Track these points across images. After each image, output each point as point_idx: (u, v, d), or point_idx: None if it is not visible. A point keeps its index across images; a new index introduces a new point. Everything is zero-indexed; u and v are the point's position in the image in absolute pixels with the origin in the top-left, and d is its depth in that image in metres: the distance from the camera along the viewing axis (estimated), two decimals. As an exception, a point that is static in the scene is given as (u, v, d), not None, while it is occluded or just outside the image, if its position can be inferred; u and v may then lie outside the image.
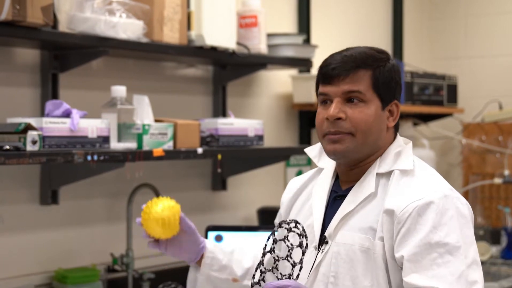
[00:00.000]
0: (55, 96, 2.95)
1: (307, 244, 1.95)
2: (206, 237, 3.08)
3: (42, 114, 2.88)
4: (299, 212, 2.12)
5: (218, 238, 3.08)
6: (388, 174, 1.98)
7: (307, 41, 4.11)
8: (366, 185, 1.99)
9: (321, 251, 2.00)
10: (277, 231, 1.99)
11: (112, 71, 3.21)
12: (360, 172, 2.02)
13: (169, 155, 2.97)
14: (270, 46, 3.60)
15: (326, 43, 4.26)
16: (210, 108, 3.66)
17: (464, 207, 1.93)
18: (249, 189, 3.83)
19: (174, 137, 3.03)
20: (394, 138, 2.05)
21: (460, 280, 1.82)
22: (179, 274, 3.38)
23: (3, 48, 2.86)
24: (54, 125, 2.64)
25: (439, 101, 4.73)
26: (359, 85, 1.97)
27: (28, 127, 2.53)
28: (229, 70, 3.66)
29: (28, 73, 2.94)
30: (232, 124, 3.27)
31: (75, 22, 2.81)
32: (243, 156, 3.49)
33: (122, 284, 3.17)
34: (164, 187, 3.28)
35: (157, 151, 2.91)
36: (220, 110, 3.65)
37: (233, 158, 3.55)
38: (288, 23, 4.15)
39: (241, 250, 2.23)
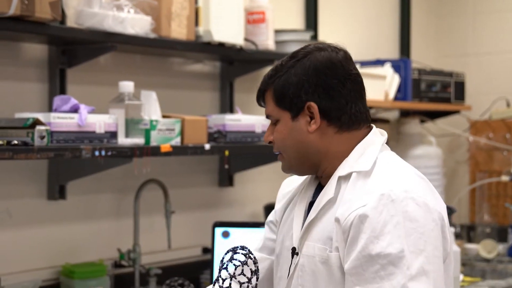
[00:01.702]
0: (63, 91, 2.96)
1: (257, 278, 1.90)
2: (213, 233, 3.08)
3: (50, 109, 2.88)
4: (286, 220, 2.04)
5: (225, 234, 3.08)
6: (349, 176, 1.86)
7: (314, 37, 4.10)
8: (328, 190, 1.88)
9: (292, 263, 1.93)
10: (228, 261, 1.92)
11: (120, 67, 3.22)
12: (328, 178, 1.92)
13: (176, 151, 2.97)
14: (277, 42, 3.60)
15: (333, 40, 4.22)
16: (217, 104, 3.65)
17: (418, 210, 1.75)
18: (256, 185, 3.83)
19: (182, 133, 3.03)
20: (366, 134, 1.92)
21: None
22: (186, 269, 3.40)
23: (11, 43, 2.87)
24: (62, 120, 2.64)
25: (447, 98, 4.72)
26: (268, 107, 1.95)
27: (36, 122, 2.53)
28: (237, 66, 3.65)
29: (36, 68, 2.95)
30: (239, 120, 3.26)
31: (83, 17, 2.81)
32: (250, 152, 3.49)
33: (129, 280, 3.17)
34: (171, 183, 3.29)
35: (165, 147, 2.91)
36: (228, 106, 3.65)
37: (240, 154, 3.54)
38: (295, 19, 4.15)
39: None
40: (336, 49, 1.93)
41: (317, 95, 1.87)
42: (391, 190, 1.76)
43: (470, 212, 4.96)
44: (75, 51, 2.95)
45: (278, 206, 2.13)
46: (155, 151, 2.88)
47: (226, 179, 3.68)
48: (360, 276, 1.73)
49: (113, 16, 2.81)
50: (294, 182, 2.11)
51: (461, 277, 3.49)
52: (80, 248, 3.11)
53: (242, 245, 1.92)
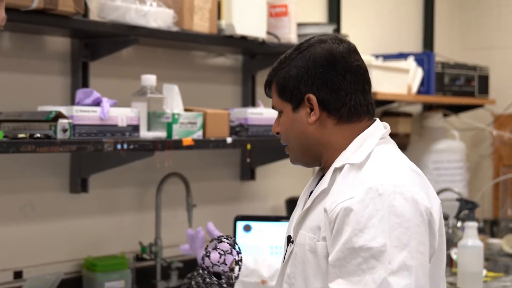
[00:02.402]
0: (85, 84, 2.96)
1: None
2: (234, 227, 3.07)
3: (73, 102, 2.89)
4: (296, 207, 2.07)
5: (247, 228, 3.07)
6: (343, 168, 1.87)
7: (337, 30, 4.08)
8: (323, 181, 1.91)
9: (287, 251, 1.97)
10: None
11: (142, 60, 3.22)
12: (328, 169, 1.93)
13: (198, 144, 2.97)
14: (300, 36, 3.58)
15: (356, 33, 4.24)
16: (239, 98, 3.65)
17: (406, 204, 1.75)
18: (277, 179, 3.82)
19: (204, 127, 3.03)
20: (366, 127, 1.93)
21: None
22: (208, 263, 3.39)
23: (34, 36, 2.87)
24: (84, 114, 2.64)
25: (470, 92, 4.68)
26: (273, 99, 1.98)
27: (59, 115, 2.53)
28: (259, 59, 3.64)
29: (58, 61, 2.95)
30: (261, 114, 3.25)
31: (105, 11, 2.81)
32: (272, 146, 3.47)
33: (150, 273, 3.18)
34: (193, 176, 3.28)
35: (187, 140, 2.91)
36: (250, 100, 3.64)
37: (262, 148, 3.53)
38: (318, 12, 4.13)
39: (266, 258, 2.25)
40: (338, 41, 1.93)
41: (316, 87, 1.89)
42: (379, 183, 1.77)
43: (493, 207, 4.93)
44: (97, 44, 2.95)
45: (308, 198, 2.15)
46: (177, 145, 2.88)
47: (247, 173, 3.68)
48: (343, 268, 1.74)
49: (135, 9, 2.81)
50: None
51: (484, 272, 3.47)
52: (102, 241, 3.12)
53: (228, 234, 2.00)
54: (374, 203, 1.74)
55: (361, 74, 1.92)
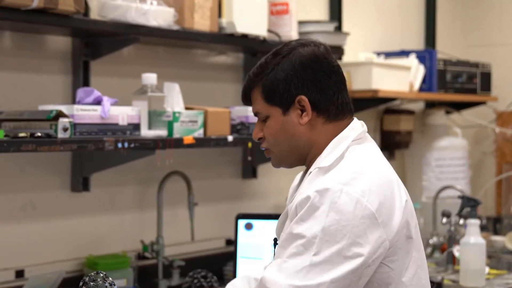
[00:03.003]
0: (86, 83, 2.96)
1: None
2: (236, 225, 3.07)
3: (73, 101, 2.89)
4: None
5: (248, 226, 3.07)
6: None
7: (338, 28, 4.07)
8: (301, 184, 1.98)
9: (275, 253, 2.00)
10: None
11: (143, 59, 3.22)
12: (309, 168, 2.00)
13: (199, 142, 2.97)
14: (301, 34, 3.58)
15: (357, 30, 4.23)
16: (240, 96, 3.63)
17: (349, 204, 1.79)
18: (279, 177, 3.82)
19: (205, 125, 3.03)
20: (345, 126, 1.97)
21: (297, 275, 1.76)
22: (209, 261, 3.40)
23: (35, 36, 2.87)
24: (85, 113, 2.64)
25: (473, 89, 4.68)
26: (256, 105, 2.00)
27: (60, 114, 2.53)
28: (260, 57, 3.57)
29: (59, 60, 2.95)
30: (262, 112, 3.24)
31: (106, 9, 2.81)
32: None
33: (152, 271, 3.18)
34: (194, 175, 3.28)
35: (188, 139, 2.91)
36: (251, 98, 3.63)
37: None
38: (319, 10, 4.12)
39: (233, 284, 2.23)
40: (317, 44, 1.99)
41: (306, 88, 1.93)
42: (332, 181, 1.83)
43: (496, 204, 4.92)
44: (98, 43, 2.95)
45: (288, 199, 2.19)
46: (178, 143, 2.88)
47: (249, 171, 3.68)
48: (282, 249, 1.83)
49: (136, 8, 2.81)
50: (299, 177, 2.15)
51: (487, 269, 3.46)
52: (104, 240, 3.12)
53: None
54: (320, 197, 1.80)
55: (341, 73, 2.00)
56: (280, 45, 2.00)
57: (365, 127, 2.01)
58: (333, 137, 1.96)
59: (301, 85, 1.93)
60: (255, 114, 2.02)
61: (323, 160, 1.92)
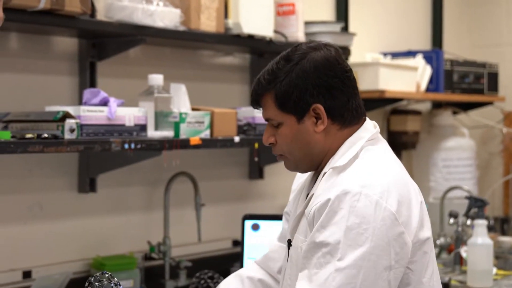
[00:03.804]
0: (92, 84, 2.97)
1: None
2: (243, 226, 3.07)
3: (80, 102, 2.89)
4: (294, 212, 2.09)
5: (255, 227, 3.07)
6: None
7: (345, 29, 4.07)
8: (315, 185, 1.95)
9: (288, 254, 2.01)
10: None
11: (149, 60, 3.22)
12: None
13: (206, 143, 2.97)
14: (307, 34, 3.58)
15: (364, 31, 4.23)
16: (247, 97, 3.64)
17: (368, 206, 1.78)
18: (286, 177, 3.80)
19: (211, 126, 3.03)
20: (356, 130, 1.96)
21: (326, 283, 1.75)
22: (216, 262, 3.40)
23: (41, 37, 2.88)
24: (91, 114, 2.65)
25: (480, 90, 4.67)
26: (268, 112, 1.96)
27: (66, 115, 2.54)
28: (267, 58, 3.63)
29: (66, 61, 2.96)
30: (269, 113, 3.24)
31: (112, 11, 2.82)
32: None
33: (159, 272, 3.18)
34: (201, 175, 3.28)
35: (194, 140, 2.91)
36: (257, 99, 3.63)
37: (270, 147, 3.52)
38: (326, 11, 4.12)
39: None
40: (328, 47, 1.95)
41: (321, 96, 1.90)
42: (349, 184, 1.81)
43: (503, 205, 4.91)
44: (104, 44, 2.96)
45: (290, 197, 2.21)
46: (184, 144, 2.88)
47: (256, 172, 3.68)
48: (308, 260, 1.81)
49: (142, 9, 2.81)
50: (306, 174, 2.13)
51: (494, 270, 3.46)
52: (111, 241, 3.12)
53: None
54: (339, 202, 1.79)
55: (353, 77, 1.97)
56: (290, 49, 1.96)
57: (377, 128, 1.99)
58: (338, 142, 1.94)
59: (316, 92, 1.90)
60: (267, 120, 1.99)
61: (337, 160, 1.91)
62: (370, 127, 1.97)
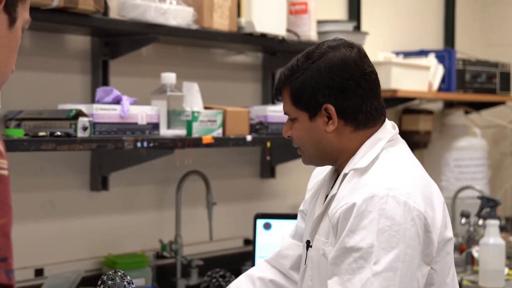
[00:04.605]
0: (105, 82, 2.97)
1: None
2: (254, 224, 3.07)
3: (93, 100, 2.89)
4: (311, 211, 2.09)
5: (267, 226, 3.06)
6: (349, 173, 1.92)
7: (357, 28, 4.06)
8: (335, 186, 1.94)
9: (307, 255, 2.00)
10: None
11: (162, 58, 3.22)
12: (341, 171, 1.98)
13: (218, 142, 2.96)
14: (320, 33, 3.57)
15: (376, 30, 4.22)
16: (259, 95, 3.64)
17: (397, 208, 1.77)
18: (297, 176, 3.81)
19: (223, 124, 3.03)
20: (376, 131, 1.94)
21: None
22: (228, 261, 3.39)
23: (54, 35, 2.88)
24: (104, 112, 2.65)
25: (492, 89, 4.65)
26: (285, 106, 1.98)
27: (79, 113, 2.54)
28: (279, 57, 3.63)
29: (79, 59, 2.96)
30: (281, 112, 3.22)
31: (125, 9, 2.82)
32: (292, 143, 3.47)
33: (170, 271, 3.18)
34: (213, 174, 3.28)
35: (206, 138, 2.91)
36: (270, 97, 3.63)
37: (282, 146, 3.52)
38: (338, 10, 4.11)
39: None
40: (350, 47, 1.94)
41: (333, 96, 1.90)
42: (375, 186, 1.80)
43: (515, 205, 4.89)
44: (117, 42, 2.96)
45: (307, 196, 2.18)
46: (196, 143, 2.88)
47: (267, 171, 3.67)
48: (338, 266, 1.79)
49: (155, 8, 2.81)
50: (322, 172, 2.13)
51: (506, 270, 3.44)
52: (122, 239, 3.12)
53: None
54: (367, 205, 1.78)
55: (373, 79, 1.95)
56: (314, 46, 1.96)
57: (396, 129, 1.98)
58: (364, 142, 1.93)
59: (328, 93, 1.90)
60: (285, 113, 2.00)
61: (357, 161, 1.90)
62: (389, 128, 1.97)
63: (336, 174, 2.02)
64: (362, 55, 1.94)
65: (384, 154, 1.90)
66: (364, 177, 1.85)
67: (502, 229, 4.03)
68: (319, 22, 3.59)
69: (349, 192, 1.84)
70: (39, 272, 2.86)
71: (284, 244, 2.26)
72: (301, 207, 2.25)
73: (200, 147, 2.90)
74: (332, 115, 1.91)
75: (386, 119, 1.99)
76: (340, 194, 1.87)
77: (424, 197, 1.83)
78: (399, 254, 1.75)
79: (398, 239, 1.76)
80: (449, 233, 1.89)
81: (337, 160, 1.96)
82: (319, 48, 1.94)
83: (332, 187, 1.97)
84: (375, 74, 1.96)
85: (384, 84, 3.91)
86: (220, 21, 3.07)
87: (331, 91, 1.90)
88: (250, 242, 3.38)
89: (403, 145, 1.98)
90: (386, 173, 1.85)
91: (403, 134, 4.47)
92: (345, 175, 1.91)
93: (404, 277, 1.75)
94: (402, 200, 1.78)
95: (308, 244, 2.00)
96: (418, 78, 4.07)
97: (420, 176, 1.90)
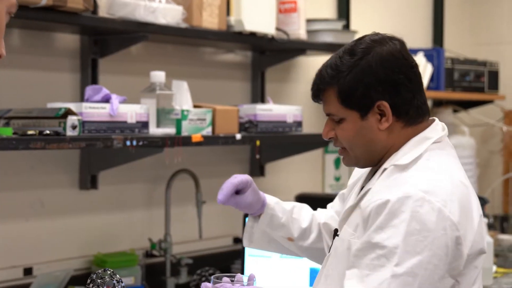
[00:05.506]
0: (94, 81, 2.96)
1: None
2: (244, 223, 3.07)
3: (82, 99, 2.89)
4: (346, 200, 2.07)
5: (256, 224, 3.06)
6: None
7: (346, 26, 4.07)
8: (372, 179, 1.91)
9: (332, 243, 1.98)
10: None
11: (151, 57, 3.22)
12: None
13: (207, 140, 2.96)
14: (309, 32, 3.58)
15: (365, 29, 4.21)
16: (248, 94, 3.64)
17: (431, 214, 1.72)
18: (287, 175, 3.82)
19: (213, 123, 3.03)
20: (423, 129, 1.90)
21: (379, 287, 1.71)
22: (217, 259, 3.40)
23: (43, 33, 2.88)
24: (93, 110, 2.64)
25: (480, 88, 4.67)
26: (330, 107, 1.91)
27: (68, 112, 2.54)
28: (268, 55, 3.64)
29: (68, 58, 2.96)
30: (271, 110, 3.25)
31: (115, 7, 2.81)
32: (281, 142, 3.48)
33: (160, 269, 3.18)
34: (202, 172, 3.28)
35: (196, 137, 2.91)
36: (259, 96, 3.63)
37: (271, 144, 3.53)
38: (327, 8, 4.12)
39: (300, 209, 2.19)
40: (393, 40, 1.90)
41: (387, 92, 1.85)
42: (412, 187, 1.76)
43: (503, 203, 4.91)
44: (107, 41, 2.95)
45: (350, 182, 2.13)
46: (186, 141, 2.88)
47: (257, 169, 3.67)
48: (359, 259, 1.77)
49: (144, 6, 2.81)
50: (362, 170, 2.08)
51: (494, 268, 3.46)
52: (112, 238, 3.12)
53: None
54: (400, 205, 1.73)
55: (419, 72, 1.91)
56: (353, 42, 1.91)
57: (446, 131, 1.93)
58: (410, 139, 1.88)
59: (381, 89, 1.85)
60: (328, 115, 1.93)
61: (400, 158, 1.85)
62: (438, 129, 1.92)
63: (376, 167, 1.96)
64: (405, 48, 1.90)
65: (429, 155, 1.85)
66: (403, 174, 1.81)
67: (490, 227, 4.06)
68: (309, 21, 3.59)
69: (385, 187, 1.80)
70: (28, 271, 2.85)
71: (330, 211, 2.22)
72: (342, 191, 2.19)
73: (190, 145, 2.90)
74: (387, 112, 1.86)
75: (437, 120, 1.94)
76: (376, 188, 1.84)
77: (461, 207, 1.78)
78: (423, 260, 1.71)
79: (425, 245, 1.71)
80: (482, 246, 1.83)
81: (382, 159, 1.91)
82: (361, 43, 1.89)
83: (369, 180, 1.93)
84: (418, 66, 1.92)
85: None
86: (210, 20, 3.07)
87: (384, 87, 1.85)
88: (240, 240, 3.38)
89: (451, 150, 1.92)
90: (426, 175, 1.80)
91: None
92: (385, 169, 1.86)
93: (422, 285, 1.71)
94: (437, 207, 1.73)
95: (336, 233, 1.96)
96: (407, 77, 4.08)
97: (462, 184, 1.83)
